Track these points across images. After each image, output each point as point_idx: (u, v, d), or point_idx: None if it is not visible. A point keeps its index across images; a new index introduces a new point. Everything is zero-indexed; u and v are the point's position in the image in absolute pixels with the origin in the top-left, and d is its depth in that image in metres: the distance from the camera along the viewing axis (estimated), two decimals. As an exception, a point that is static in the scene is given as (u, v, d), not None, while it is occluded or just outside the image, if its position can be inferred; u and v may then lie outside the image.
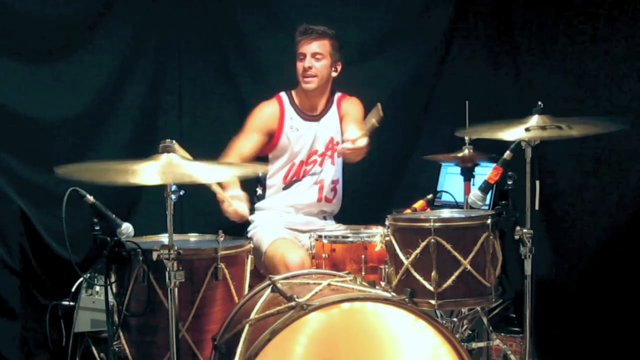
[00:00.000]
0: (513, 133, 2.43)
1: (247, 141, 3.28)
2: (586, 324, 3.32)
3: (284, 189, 3.35)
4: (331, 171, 3.38)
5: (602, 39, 3.35)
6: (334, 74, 3.35)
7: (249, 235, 3.30)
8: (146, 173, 2.03)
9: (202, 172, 2.15)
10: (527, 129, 2.38)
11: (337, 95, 3.45)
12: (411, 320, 2.02)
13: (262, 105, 3.36)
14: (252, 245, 2.67)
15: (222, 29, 3.83)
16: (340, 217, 3.46)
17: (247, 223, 3.38)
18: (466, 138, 2.96)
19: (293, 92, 3.40)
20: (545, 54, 3.63)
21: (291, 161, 3.33)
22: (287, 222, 3.32)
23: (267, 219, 3.33)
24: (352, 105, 3.44)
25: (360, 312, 2.02)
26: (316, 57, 3.27)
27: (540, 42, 3.67)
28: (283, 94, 3.39)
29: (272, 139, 3.31)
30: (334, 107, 3.43)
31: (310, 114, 3.37)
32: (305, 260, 2.91)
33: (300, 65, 3.29)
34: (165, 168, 2.07)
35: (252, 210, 3.39)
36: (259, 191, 3.42)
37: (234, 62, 3.86)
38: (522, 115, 2.54)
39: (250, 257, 2.62)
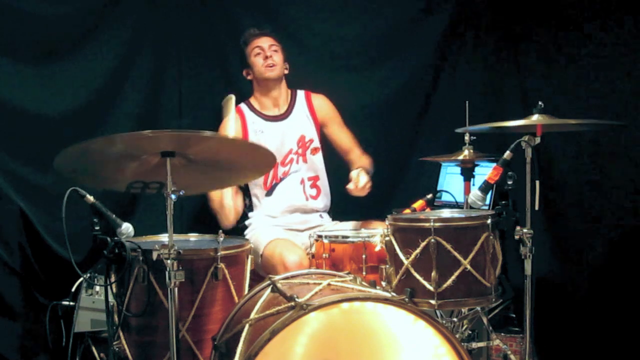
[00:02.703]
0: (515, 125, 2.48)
1: None
2: (586, 323, 3.32)
3: (267, 194, 3.35)
4: (304, 168, 3.40)
5: (603, 40, 3.35)
6: (286, 72, 3.45)
7: (247, 237, 3.31)
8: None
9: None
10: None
11: (301, 92, 3.50)
12: (411, 320, 2.02)
13: (224, 121, 3.36)
14: (252, 245, 2.67)
15: (221, 28, 3.83)
16: (340, 218, 3.46)
17: (246, 226, 3.40)
18: (466, 138, 2.96)
19: (250, 100, 3.47)
20: (546, 54, 3.63)
21: None
22: (284, 222, 3.32)
23: (263, 220, 3.33)
24: (327, 107, 3.51)
25: (360, 312, 2.02)
26: (273, 49, 3.40)
27: (540, 42, 3.67)
28: (242, 105, 3.46)
29: None
30: (302, 105, 3.47)
31: (272, 115, 3.42)
32: (304, 259, 2.91)
33: (258, 59, 3.39)
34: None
35: (246, 217, 3.40)
36: (246, 202, 3.41)
37: (233, 62, 3.86)
38: (522, 116, 2.55)
39: (250, 257, 2.63)
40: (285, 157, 3.37)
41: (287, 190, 3.35)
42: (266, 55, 3.38)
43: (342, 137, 3.50)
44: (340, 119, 3.53)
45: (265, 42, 3.41)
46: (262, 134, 3.37)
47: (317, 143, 3.45)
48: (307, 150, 3.42)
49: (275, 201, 3.35)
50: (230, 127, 3.24)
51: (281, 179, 3.36)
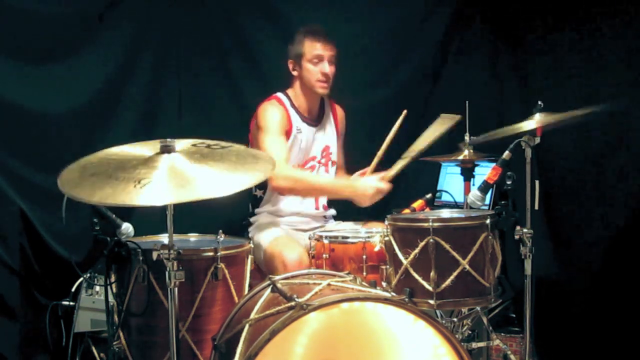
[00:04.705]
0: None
1: (281, 144, 3.16)
2: (586, 323, 3.32)
3: (280, 193, 3.30)
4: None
5: (604, 40, 3.35)
6: None
7: (250, 235, 3.31)
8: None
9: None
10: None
11: (326, 100, 3.42)
12: (411, 320, 2.02)
13: (268, 105, 3.24)
14: (252, 245, 2.67)
15: (222, 28, 3.83)
16: (341, 218, 3.46)
17: (249, 223, 3.40)
18: (466, 138, 2.97)
19: (289, 93, 3.32)
20: (546, 53, 3.63)
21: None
22: (289, 222, 3.32)
23: (267, 219, 3.33)
24: (345, 121, 3.48)
25: (360, 312, 2.02)
26: (331, 61, 3.22)
27: (542, 41, 3.67)
28: (281, 95, 3.30)
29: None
30: (329, 115, 3.42)
31: (309, 118, 3.33)
32: (304, 257, 2.91)
33: (314, 68, 3.19)
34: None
35: (251, 214, 3.40)
36: (259, 194, 3.38)
37: (234, 62, 3.86)
38: (522, 116, 2.55)
39: (250, 257, 2.63)
40: (306, 163, 3.32)
41: (301, 198, 3.31)
42: (324, 71, 3.18)
43: (341, 154, 3.49)
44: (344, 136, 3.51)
45: (327, 52, 3.19)
46: (300, 133, 3.26)
47: (335, 155, 3.42)
48: (329, 162, 3.38)
49: (285, 202, 3.32)
50: None
51: None
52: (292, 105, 3.30)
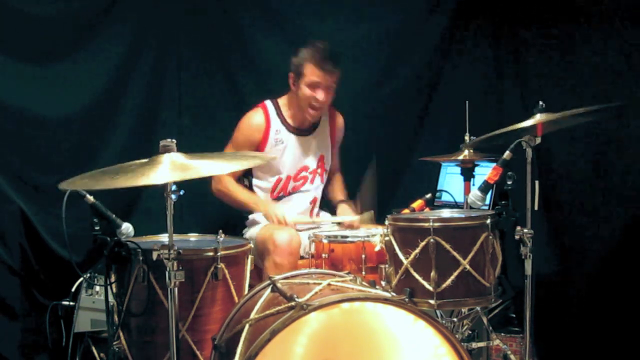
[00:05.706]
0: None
1: None
2: (586, 323, 3.32)
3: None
4: (320, 188, 3.39)
5: (604, 40, 3.35)
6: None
7: (245, 235, 3.31)
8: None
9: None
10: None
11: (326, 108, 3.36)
12: (411, 320, 2.02)
13: (248, 116, 3.27)
14: (252, 245, 2.67)
15: (222, 29, 3.83)
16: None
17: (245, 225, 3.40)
18: (466, 138, 2.97)
19: (280, 102, 3.31)
20: (547, 54, 3.63)
21: (277, 175, 3.27)
22: None
23: (261, 217, 3.31)
24: (343, 128, 3.46)
25: (360, 312, 2.02)
26: (329, 89, 3.18)
27: (541, 42, 3.67)
28: (269, 103, 3.30)
29: (257, 150, 3.23)
30: (326, 123, 3.39)
31: (298, 127, 3.30)
32: (294, 237, 2.92)
33: (310, 93, 3.14)
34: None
35: (246, 216, 3.40)
36: None
37: (234, 62, 3.86)
38: (522, 116, 2.55)
39: (250, 257, 2.63)
40: (299, 172, 3.30)
41: (293, 207, 3.28)
42: (319, 98, 3.14)
43: (336, 159, 3.49)
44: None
45: (327, 81, 3.13)
46: (281, 144, 3.24)
47: (328, 164, 3.42)
48: (324, 172, 3.38)
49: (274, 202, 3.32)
50: None
51: (290, 194, 3.31)
52: (279, 114, 3.28)
